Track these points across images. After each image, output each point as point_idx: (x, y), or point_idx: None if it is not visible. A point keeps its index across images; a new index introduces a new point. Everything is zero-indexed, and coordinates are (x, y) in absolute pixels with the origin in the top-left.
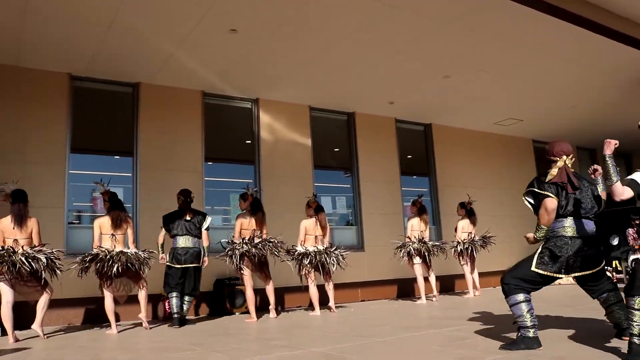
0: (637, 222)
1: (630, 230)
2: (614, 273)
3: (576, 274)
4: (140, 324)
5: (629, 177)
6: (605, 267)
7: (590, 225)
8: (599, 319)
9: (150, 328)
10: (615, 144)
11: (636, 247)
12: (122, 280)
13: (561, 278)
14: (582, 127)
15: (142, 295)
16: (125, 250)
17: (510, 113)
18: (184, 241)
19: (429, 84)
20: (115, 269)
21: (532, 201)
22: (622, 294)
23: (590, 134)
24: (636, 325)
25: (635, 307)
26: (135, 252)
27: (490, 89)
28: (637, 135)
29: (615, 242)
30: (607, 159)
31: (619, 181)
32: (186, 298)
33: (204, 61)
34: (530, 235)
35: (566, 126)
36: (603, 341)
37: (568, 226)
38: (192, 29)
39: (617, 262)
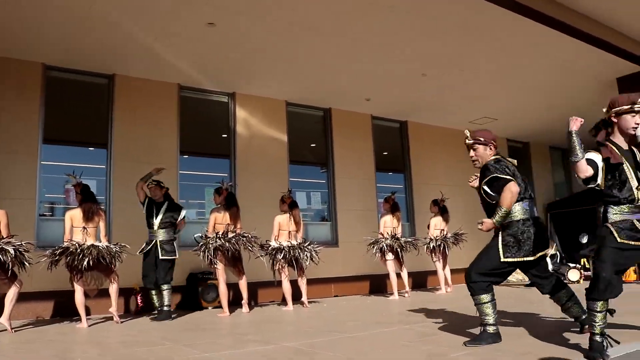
0: None
1: None
2: (581, 271)
3: (540, 253)
4: (111, 318)
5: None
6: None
7: (532, 207)
8: (562, 315)
9: (122, 322)
10: (581, 122)
11: None
12: (93, 274)
13: (531, 261)
14: (555, 128)
15: (113, 289)
16: (97, 243)
17: (485, 112)
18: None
19: (405, 81)
20: (85, 262)
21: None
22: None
23: (563, 134)
24: (597, 325)
25: (597, 309)
26: (106, 246)
27: (466, 88)
28: None
29: (585, 240)
30: (574, 135)
31: (584, 158)
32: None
33: (180, 54)
34: (489, 221)
35: (540, 126)
36: (565, 337)
37: (525, 209)
38: (169, 21)
39: (585, 260)
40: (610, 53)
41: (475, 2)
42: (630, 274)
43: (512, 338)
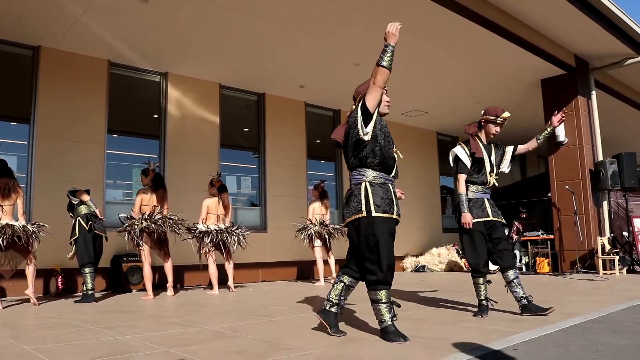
0: (524, 215)
1: (516, 222)
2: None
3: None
4: (28, 300)
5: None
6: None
7: None
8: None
9: (39, 304)
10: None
11: (515, 239)
12: (8, 254)
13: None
14: None
15: (29, 271)
16: (12, 222)
17: (416, 105)
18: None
19: (339, 70)
20: (0, 241)
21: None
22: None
23: None
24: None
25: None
26: (23, 225)
27: (398, 81)
28: (530, 134)
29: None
30: (463, 201)
31: (464, 195)
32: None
33: (111, 29)
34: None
35: (468, 122)
36: (485, 322)
37: None
38: None
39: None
40: (537, 56)
41: None
42: (544, 266)
43: (427, 324)
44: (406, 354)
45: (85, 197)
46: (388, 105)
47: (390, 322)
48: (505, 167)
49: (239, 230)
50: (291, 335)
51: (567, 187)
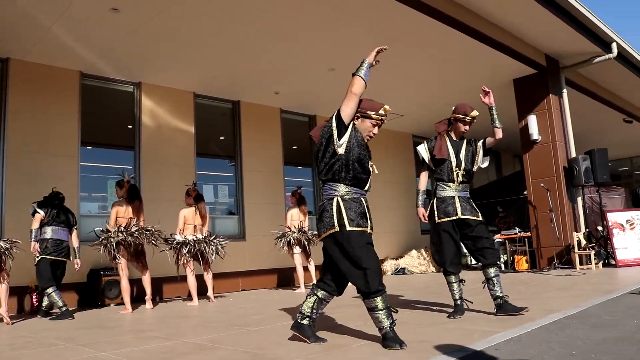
0: (502, 214)
1: (496, 221)
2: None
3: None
4: (1, 320)
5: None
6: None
7: None
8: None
9: (13, 323)
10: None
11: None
12: None
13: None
14: None
15: (2, 289)
16: None
17: (391, 108)
18: (64, 234)
19: (314, 75)
20: None
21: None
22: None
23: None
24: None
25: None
26: None
27: (373, 84)
28: (504, 133)
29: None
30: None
31: (422, 194)
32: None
33: (82, 40)
34: None
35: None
36: (466, 323)
37: None
38: (70, 4)
39: None
40: (508, 56)
41: (381, 0)
42: (523, 263)
43: (409, 327)
44: (389, 359)
45: None
46: (370, 136)
47: (389, 329)
48: (481, 163)
49: (217, 239)
50: (273, 344)
51: (542, 184)
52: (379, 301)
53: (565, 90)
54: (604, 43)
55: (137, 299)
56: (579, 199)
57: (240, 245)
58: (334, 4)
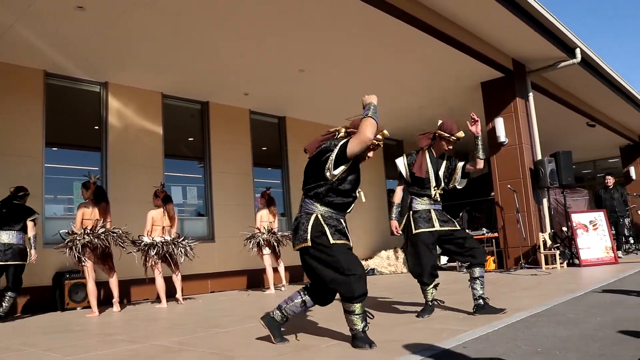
0: (478, 214)
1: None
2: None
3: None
4: None
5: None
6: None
7: None
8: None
9: None
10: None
11: None
12: None
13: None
14: (427, 127)
15: None
16: None
17: (361, 110)
18: (7, 237)
19: (283, 77)
20: None
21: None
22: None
23: None
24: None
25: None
26: None
27: (343, 86)
28: (473, 136)
29: None
30: (394, 211)
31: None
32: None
33: (47, 38)
34: None
35: (412, 126)
36: (435, 322)
37: None
38: (33, 1)
39: None
40: (477, 59)
41: (352, 2)
42: (490, 264)
43: (379, 327)
44: (359, 359)
45: None
46: (365, 159)
47: (360, 330)
48: (458, 184)
49: (186, 241)
50: (241, 346)
51: (509, 186)
52: (358, 306)
53: (531, 94)
54: (569, 49)
55: (104, 302)
56: (545, 200)
57: (210, 246)
58: (307, 11)
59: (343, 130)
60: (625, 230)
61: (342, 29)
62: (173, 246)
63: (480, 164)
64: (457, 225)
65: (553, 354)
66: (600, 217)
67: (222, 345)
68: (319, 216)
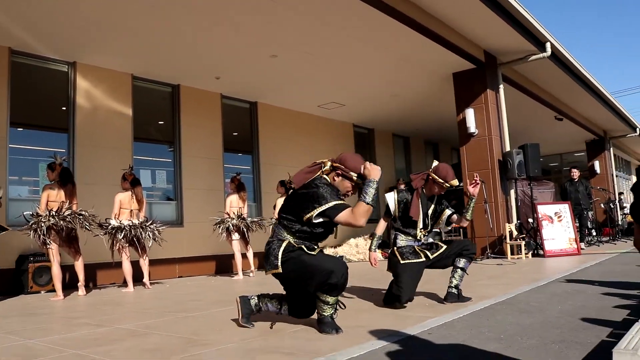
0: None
1: None
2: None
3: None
4: None
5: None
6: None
7: None
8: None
9: None
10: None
11: None
12: None
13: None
14: (398, 116)
15: None
16: None
17: (333, 97)
18: None
19: (255, 61)
20: None
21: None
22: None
23: (405, 122)
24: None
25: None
26: None
27: (315, 72)
28: (443, 126)
29: None
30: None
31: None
32: None
33: (12, 14)
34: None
35: (383, 114)
36: (402, 310)
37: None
38: None
39: None
40: (449, 50)
41: None
42: None
43: (346, 313)
44: (325, 343)
45: None
46: (347, 195)
47: (328, 316)
48: (442, 227)
49: (154, 225)
50: (208, 330)
51: (477, 176)
52: (331, 299)
53: (502, 86)
54: (539, 42)
55: (70, 286)
56: (512, 192)
57: (178, 231)
58: None
59: (329, 163)
60: (589, 222)
61: (315, 15)
62: (141, 230)
63: (464, 223)
64: (442, 243)
65: (515, 340)
66: (565, 209)
67: (188, 330)
68: (291, 242)
